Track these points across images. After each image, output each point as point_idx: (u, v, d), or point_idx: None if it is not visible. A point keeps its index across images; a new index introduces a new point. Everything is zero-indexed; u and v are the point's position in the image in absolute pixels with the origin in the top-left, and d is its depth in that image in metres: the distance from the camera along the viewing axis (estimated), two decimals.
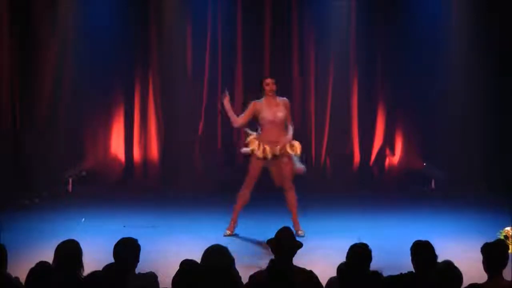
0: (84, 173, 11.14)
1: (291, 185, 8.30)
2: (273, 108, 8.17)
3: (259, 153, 8.15)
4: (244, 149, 8.36)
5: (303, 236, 8.04)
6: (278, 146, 8.13)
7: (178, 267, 4.53)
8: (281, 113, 8.16)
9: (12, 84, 10.67)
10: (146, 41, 11.40)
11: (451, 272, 4.46)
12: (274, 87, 8.18)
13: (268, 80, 8.22)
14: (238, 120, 8.27)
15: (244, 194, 8.32)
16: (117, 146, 11.49)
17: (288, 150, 8.19)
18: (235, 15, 11.43)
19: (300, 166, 8.42)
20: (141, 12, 11.34)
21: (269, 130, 8.16)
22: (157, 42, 11.41)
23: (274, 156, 8.17)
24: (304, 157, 8.77)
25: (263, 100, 8.21)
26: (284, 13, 11.49)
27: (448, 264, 4.56)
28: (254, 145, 8.20)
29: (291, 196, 8.30)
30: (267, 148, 8.14)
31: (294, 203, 8.32)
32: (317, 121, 11.58)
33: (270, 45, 11.46)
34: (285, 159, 8.21)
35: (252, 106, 8.23)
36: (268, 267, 4.63)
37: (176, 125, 11.48)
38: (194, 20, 11.39)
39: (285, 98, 8.34)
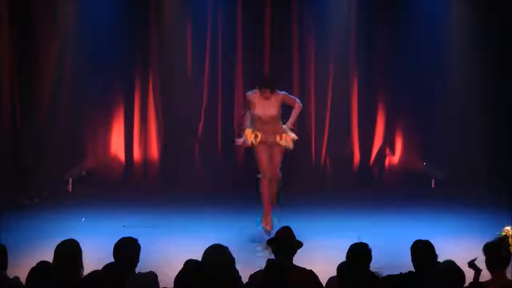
0: (84, 173, 11.14)
1: (278, 176, 8.44)
2: (264, 107, 8.26)
3: (254, 140, 8.30)
4: (238, 140, 8.54)
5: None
6: (277, 136, 8.30)
7: (182, 267, 4.53)
8: (271, 111, 8.25)
9: (12, 84, 10.67)
10: (146, 41, 11.39)
11: (453, 272, 4.46)
12: (268, 96, 8.24)
13: (267, 93, 8.20)
14: (247, 123, 8.43)
15: (263, 183, 8.40)
16: (117, 146, 11.48)
17: (283, 141, 8.34)
18: (235, 15, 11.42)
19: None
20: (141, 12, 11.33)
21: (261, 124, 8.32)
22: (157, 42, 11.41)
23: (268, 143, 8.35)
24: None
25: (257, 95, 8.28)
26: (284, 13, 11.48)
27: (450, 264, 4.56)
28: (248, 136, 8.35)
29: (274, 187, 8.45)
30: (259, 134, 8.30)
31: (275, 195, 8.47)
32: (317, 121, 11.57)
33: (270, 45, 11.45)
34: (277, 149, 8.38)
35: (248, 99, 8.36)
36: (266, 267, 4.63)
37: (176, 125, 11.47)
38: (194, 20, 11.38)
39: (280, 93, 8.34)
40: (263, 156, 8.37)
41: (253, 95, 8.33)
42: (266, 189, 8.40)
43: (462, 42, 11.27)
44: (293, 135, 8.41)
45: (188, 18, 11.40)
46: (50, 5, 10.85)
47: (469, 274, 4.68)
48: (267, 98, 8.23)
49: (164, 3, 11.40)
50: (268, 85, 8.28)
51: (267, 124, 8.29)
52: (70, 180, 10.93)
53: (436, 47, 11.24)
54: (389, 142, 11.67)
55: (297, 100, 8.53)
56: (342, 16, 11.49)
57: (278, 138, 8.34)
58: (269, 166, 8.38)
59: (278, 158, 8.42)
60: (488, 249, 4.86)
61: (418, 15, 11.19)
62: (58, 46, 10.94)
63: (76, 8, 10.98)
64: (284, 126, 8.39)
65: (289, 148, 8.44)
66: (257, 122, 8.34)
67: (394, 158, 11.67)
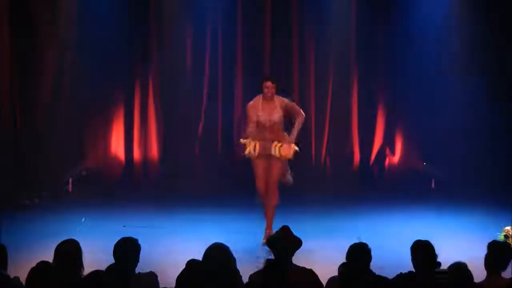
0: (84, 173, 11.14)
1: (276, 188, 8.06)
2: (268, 111, 7.96)
3: (253, 153, 7.96)
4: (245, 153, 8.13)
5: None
6: (273, 146, 7.93)
7: (182, 267, 4.53)
8: (275, 117, 7.93)
9: (12, 84, 10.67)
10: (146, 41, 11.40)
11: (462, 274, 4.46)
12: (273, 91, 7.95)
13: (268, 83, 7.95)
14: (249, 132, 8.03)
15: (262, 197, 8.08)
16: (117, 146, 11.48)
17: (277, 152, 7.95)
18: (235, 15, 11.42)
19: (289, 178, 8.30)
20: (141, 11, 11.33)
21: (263, 132, 8.00)
22: (157, 42, 11.41)
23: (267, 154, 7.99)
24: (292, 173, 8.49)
25: (260, 100, 8.02)
26: (284, 13, 11.48)
27: (464, 266, 4.55)
28: (247, 145, 8.01)
29: (271, 200, 8.06)
30: (257, 144, 7.95)
31: (272, 209, 8.06)
32: (317, 121, 11.57)
33: (270, 45, 11.45)
34: (276, 160, 8.01)
35: (249, 110, 8.02)
36: (266, 267, 4.63)
37: (176, 125, 11.48)
38: (194, 20, 11.38)
39: (284, 99, 8.11)
40: (259, 170, 8.00)
41: (256, 101, 8.01)
42: (264, 204, 8.08)
43: (462, 42, 11.27)
44: (295, 147, 8.00)
45: (188, 18, 11.40)
46: (50, 5, 10.86)
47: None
48: (270, 98, 7.92)
49: (164, 3, 11.40)
50: (269, 77, 8.11)
51: (269, 131, 7.95)
52: (70, 180, 10.93)
53: (436, 47, 11.24)
54: (389, 142, 11.67)
55: (302, 111, 8.16)
56: (342, 16, 11.50)
57: (275, 148, 7.91)
58: (264, 179, 8.00)
59: (276, 170, 8.01)
60: (495, 249, 4.86)
61: (418, 15, 11.19)
62: (58, 46, 10.95)
63: (76, 8, 10.98)
64: (286, 135, 8.03)
65: (288, 158, 8.04)
66: (259, 130, 7.97)
67: (394, 158, 11.68)
